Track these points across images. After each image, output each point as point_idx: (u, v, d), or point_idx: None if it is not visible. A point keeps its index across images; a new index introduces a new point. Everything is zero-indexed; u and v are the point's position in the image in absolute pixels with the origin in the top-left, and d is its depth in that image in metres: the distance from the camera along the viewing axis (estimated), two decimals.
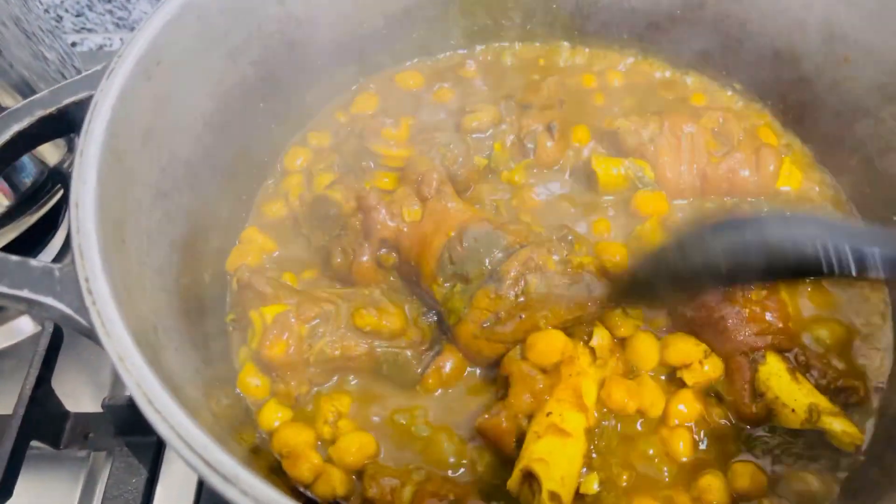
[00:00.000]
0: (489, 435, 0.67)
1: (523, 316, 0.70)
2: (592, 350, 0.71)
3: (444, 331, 0.77)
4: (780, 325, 0.76)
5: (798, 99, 0.92)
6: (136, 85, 0.69)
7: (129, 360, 0.50)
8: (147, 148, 0.71)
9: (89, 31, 1.41)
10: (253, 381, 0.75)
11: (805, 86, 0.90)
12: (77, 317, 0.55)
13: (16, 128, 0.66)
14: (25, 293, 0.57)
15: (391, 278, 0.80)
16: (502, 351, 0.71)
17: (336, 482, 0.67)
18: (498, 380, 0.71)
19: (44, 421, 0.87)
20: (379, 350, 0.74)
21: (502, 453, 0.68)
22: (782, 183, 0.88)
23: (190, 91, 0.78)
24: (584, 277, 0.72)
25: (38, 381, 0.85)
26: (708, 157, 0.88)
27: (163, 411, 0.48)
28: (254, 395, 0.75)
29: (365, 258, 0.79)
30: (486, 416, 0.67)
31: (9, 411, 0.82)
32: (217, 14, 0.79)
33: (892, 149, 0.82)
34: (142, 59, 0.70)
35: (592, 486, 0.65)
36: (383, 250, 0.79)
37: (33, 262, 0.58)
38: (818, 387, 0.71)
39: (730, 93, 0.99)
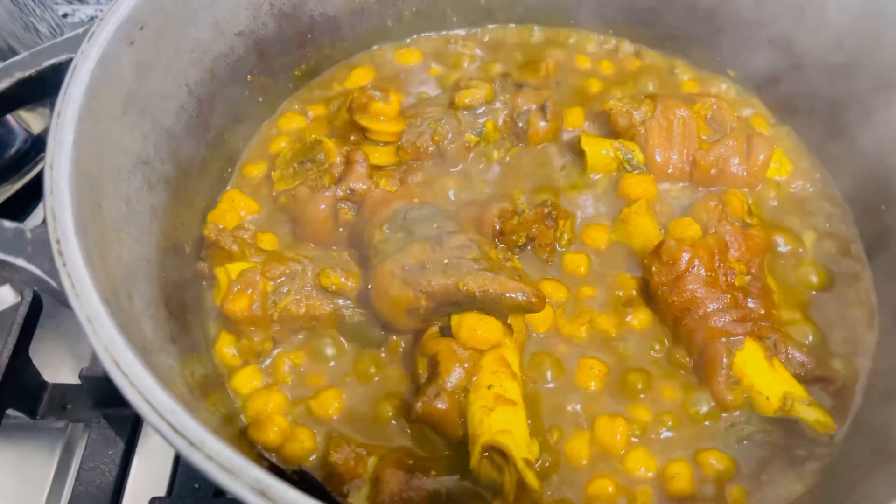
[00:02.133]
0: (433, 418, 0.66)
1: (447, 273, 0.69)
2: (509, 325, 0.72)
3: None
4: (763, 311, 0.75)
5: (791, 87, 0.91)
6: (117, 49, 0.68)
7: (97, 322, 0.50)
8: (128, 114, 0.69)
9: (81, 2, 1.39)
10: (228, 350, 0.75)
11: (799, 73, 0.89)
12: (47, 278, 0.55)
13: None
14: None
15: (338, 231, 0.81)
16: (408, 300, 0.69)
17: (305, 440, 0.69)
18: (419, 362, 0.70)
19: (20, 390, 0.86)
20: (345, 310, 0.75)
21: (445, 433, 0.67)
22: (772, 173, 0.87)
23: (174, 59, 0.77)
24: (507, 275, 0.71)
25: (15, 350, 0.84)
26: (699, 143, 0.87)
27: (130, 374, 0.47)
28: (229, 364, 0.75)
29: (324, 204, 0.79)
30: (424, 400, 0.65)
31: None
32: None
33: (885, 138, 0.81)
34: (124, 22, 0.68)
35: (536, 450, 0.67)
36: (346, 203, 0.80)
37: (5, 223, 0.57)
38: (796, 375, 0.71)
39: (724, 81, 0.98)
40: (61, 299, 0.54)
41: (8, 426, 0.87)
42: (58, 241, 0.53)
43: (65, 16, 1.39)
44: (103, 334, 0.49)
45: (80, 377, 0.83)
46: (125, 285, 0.61)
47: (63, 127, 0.60)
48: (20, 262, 0.55)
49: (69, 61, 0.66)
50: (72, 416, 0.89)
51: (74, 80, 0.63)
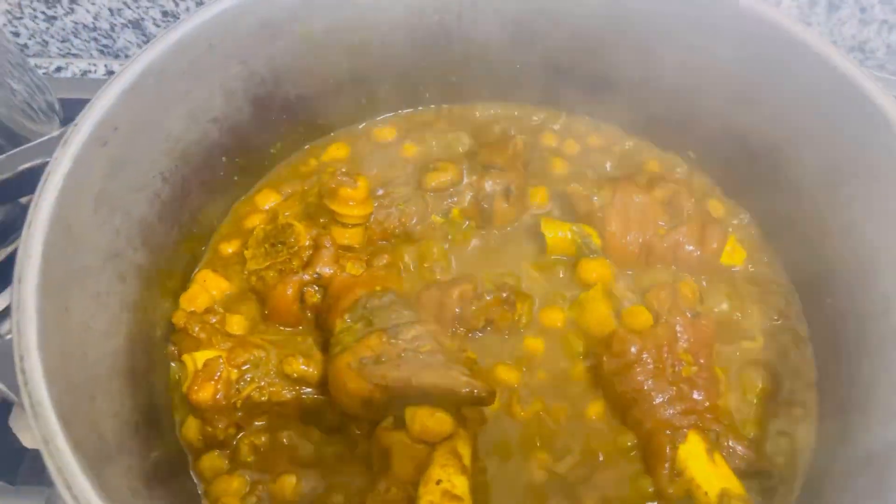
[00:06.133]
0: None
1: (401, 367, 0.72)
2: (463, 416, 0.74)
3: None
4: (708, 403, 0.78)
5: (746, 174, 0.94)
6: (90, 152, 0.71)
7: (52, 444, 0.53)
8: (99, 213, 0.73)
9: (74, 56, 1.43)
10: (194, 435, 0.78)
11: (752, 162, 0.92)
12: (10, 393, 0.58)
13: None
14: None
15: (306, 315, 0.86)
16: (364, 392, 0.72)
17: None
18: (374, 455, 0.73)
19: (1, 462, 0.90)
20: (306, 397, 0.79)
21: None
22: (726, 260, 0.90)
23: (147, 152, 0.80)
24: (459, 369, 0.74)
25: None
26: (655, 229, 0.90)
27: (80, 498, 0.51)
28: (195, 447, 0.78)
29: (291, 289, 0.84)
30: (373, 496, 0.68)
31: None
32: (177, 76, 0.81)
33: (831, 233, 0.84)
34: (98, 126, 0.72)
35: None
36: (313, 287, 0.84)
37: None
38: (736, 468, 0.74)
39: (684, 161, 1.01)
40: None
41: None
42: (21, 359, 0.57)
43: (58, 69, 1.43)
44: (57, 457, 0.53)
45: None
46: (88, 388, 0.64)
47: (32, 238, 0.63)
48: None
49: (44, 165, 0.70)
50: (49, 480, 0.93)
51: (46, 190, 0.66)
